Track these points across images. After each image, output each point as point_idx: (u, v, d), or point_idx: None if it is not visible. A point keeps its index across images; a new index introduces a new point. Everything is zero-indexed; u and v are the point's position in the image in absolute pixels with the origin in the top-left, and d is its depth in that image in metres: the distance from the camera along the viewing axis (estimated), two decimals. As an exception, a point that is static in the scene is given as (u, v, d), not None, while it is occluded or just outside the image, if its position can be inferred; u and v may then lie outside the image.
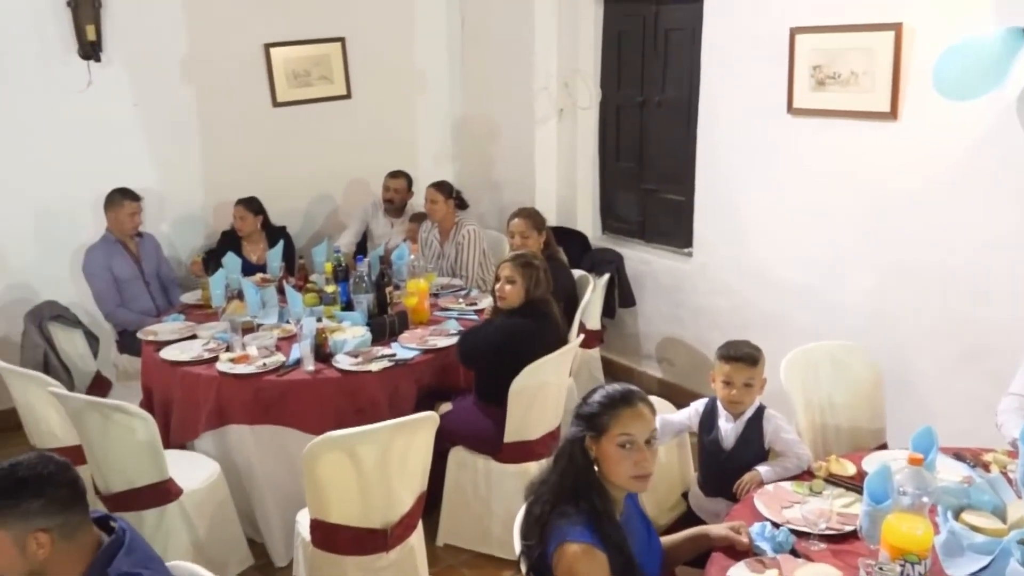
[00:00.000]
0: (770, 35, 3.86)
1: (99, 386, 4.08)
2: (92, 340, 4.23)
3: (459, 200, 4.69)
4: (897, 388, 3.30)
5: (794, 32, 3.75)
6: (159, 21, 4.74)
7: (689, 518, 2.69)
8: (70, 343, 4.10)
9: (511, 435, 3.25)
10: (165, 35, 4.78)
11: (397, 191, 5.10)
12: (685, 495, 2.82)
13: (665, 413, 2.72)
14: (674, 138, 4.71)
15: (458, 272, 4.55)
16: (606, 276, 4.58)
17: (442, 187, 4.63)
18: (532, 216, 4.11)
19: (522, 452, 3.28)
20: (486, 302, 4.07)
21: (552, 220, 4.88)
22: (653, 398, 2.18)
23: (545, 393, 3.27)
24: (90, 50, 4.51)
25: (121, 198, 4.32)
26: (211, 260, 4.71)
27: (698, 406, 2.74)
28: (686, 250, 4.69)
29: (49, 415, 3.30)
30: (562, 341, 3.31)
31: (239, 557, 3.29)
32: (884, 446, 2.91)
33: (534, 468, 3.25)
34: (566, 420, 3.44)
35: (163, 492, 2.96)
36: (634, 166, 5.03)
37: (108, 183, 4.42)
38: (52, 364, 3.90)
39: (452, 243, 4.61)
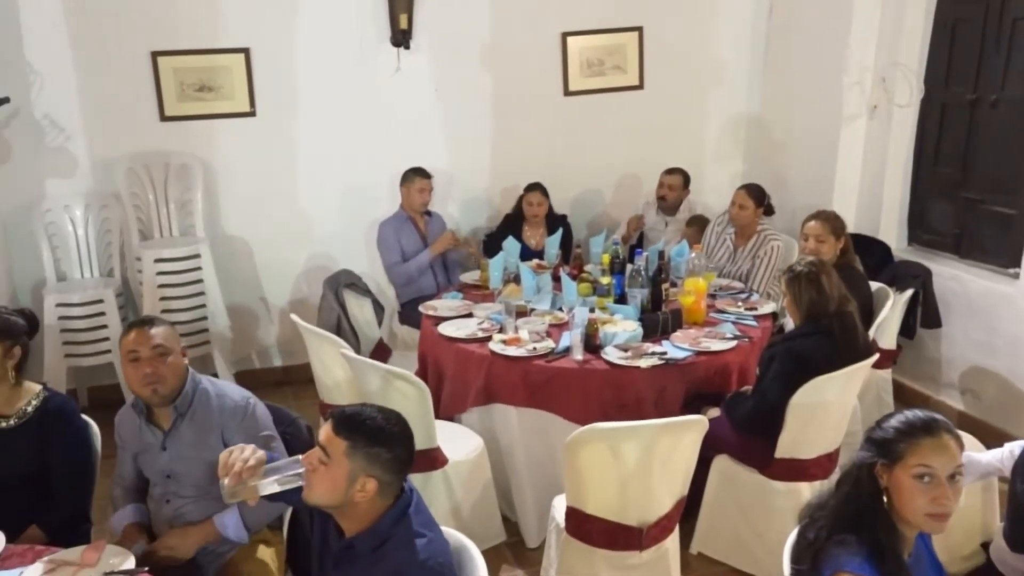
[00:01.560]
0: None
1: (381, 352, 4.48)
2: (379, 309, 4.65)
3: (768, 207, 4.56)
4: None
5: None
6: (465, 10, 5.10)
7: (987, 572, 2.42)
8: (360, 310, 4.54)
9: (783, 451, 3.11)
10: (469, 23, 5.13)
11: (672, 188, 5.08)
12: (985, 546, 2.53)
13: (972, 451, 2.45)
14: (1011, 142, 4.21)
15: (748, 282, 4.43)
16: (908, 292, 4.21)
17: (754, 191, 4.53)
18: (831, 220, 3.89)
19: (794, 470, 3.12)
20: (767, 307, 3.92)
21: (850, 226, 4.57)
22: (961, 433, 1.97)
23: (826, 411, 3.09)
24: (401, 38, 4.96)
25: (413, 175, 4.73)
26: (491, 242, 4.99)
27: (1014, 448, 2.43)
28: (1011, 270, 4.18)
29: (337, 373, 3.68)
30: (857, 355, 3.09)
31: (493, 532, 3.46)
32: None
33: (805, 489, 3.10)
34: (846, 443, 3.25)
35: (431, 459, 3.19)
36: (956, 172, 4.57)
37: (405, 163, 4.84)
38: (343, 327, 4.34)
39: (750, 253, 4.51)
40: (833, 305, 3.11)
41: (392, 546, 1.84)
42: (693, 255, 4.19)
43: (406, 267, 4.69)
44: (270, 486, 1.87)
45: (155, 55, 4.71)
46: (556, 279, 4.17)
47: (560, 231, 4.76)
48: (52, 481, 2.53)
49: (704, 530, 3.36)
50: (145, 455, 2.50)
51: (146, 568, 2.14)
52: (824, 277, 3.12)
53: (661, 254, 4.03)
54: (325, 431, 1.85)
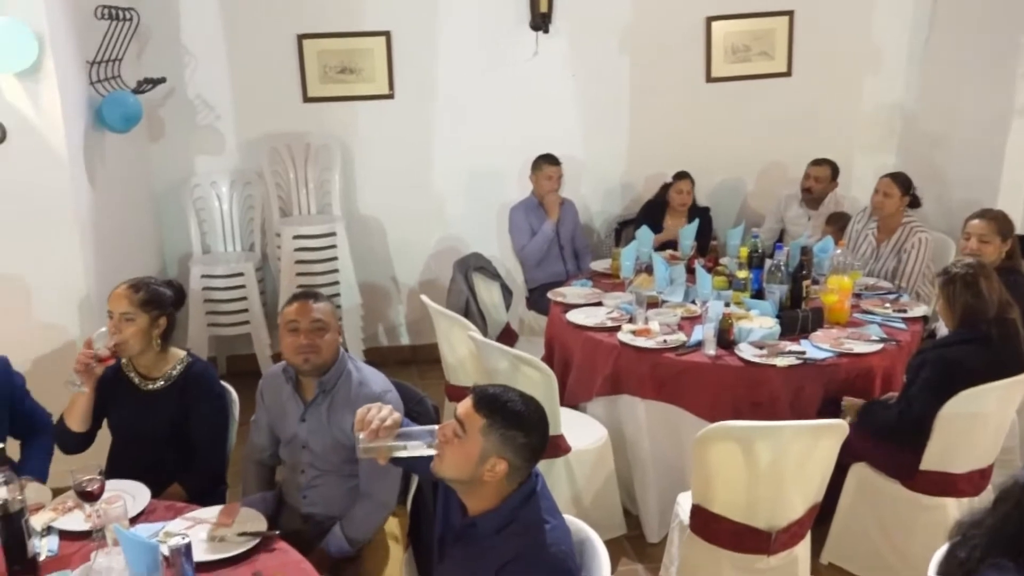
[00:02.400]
0: None
1: (507, 336, 4.53)
2: (507, 294, 4.70)
3: (913, 198, 4.33)
4: None
5: None
6: (607, -8, 5.07)
7: None
8: (488, 293, 4.60)
9: (930, 463, 2.95)
10: (611, 7, 5.10)
11: (819, 180, 4.90)
12: None
13: None
14: None
15: (896, 280, 4.22)
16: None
17: (900, 179, 4.32)
18: (999, 220, 3.65)
19: (941, 484, 2.96)
20: (918, 310, 3.72)
21: (1018, 227, 4.28)
22: None
23: (982, 424, 2.91)
24: (540, 21, 4.98)
25: (542, 162, 4.77)
26: (623, 231, 4.95)
27: None
28: None
29: (464, 356, 3.74)
30: (1019, 366, 2.89)
31: (613, 524, 3.45)
32: None
33: (952, 505, 2.94)
34: (1002, 459, 3.05)
35: (554, 446, 3.20)
36: None
37: (537, 149, 4.86)
38: (471, 310, 4.41)
39: (894, 249, 4.30)
40: (992, 311, 2.93)
41: (515, 529, 1.85)
42: (839, 251, 4.03)
43: (532, 244, 4.72)
44: (402, 449, 1.93)
45: (301, 38, 4.92)
46: (690, 271, 4.10)
47: (697, 221, 4.68)
48: (193, 441, 2.69)
49: (837, 540, 3.24)
50: (283, 421, 2.62)
51: (277, 531, 2.24)
52: (983, 280, 2.94)
53: (804, 249, 3.89)
54: (465, 406, 1.87)
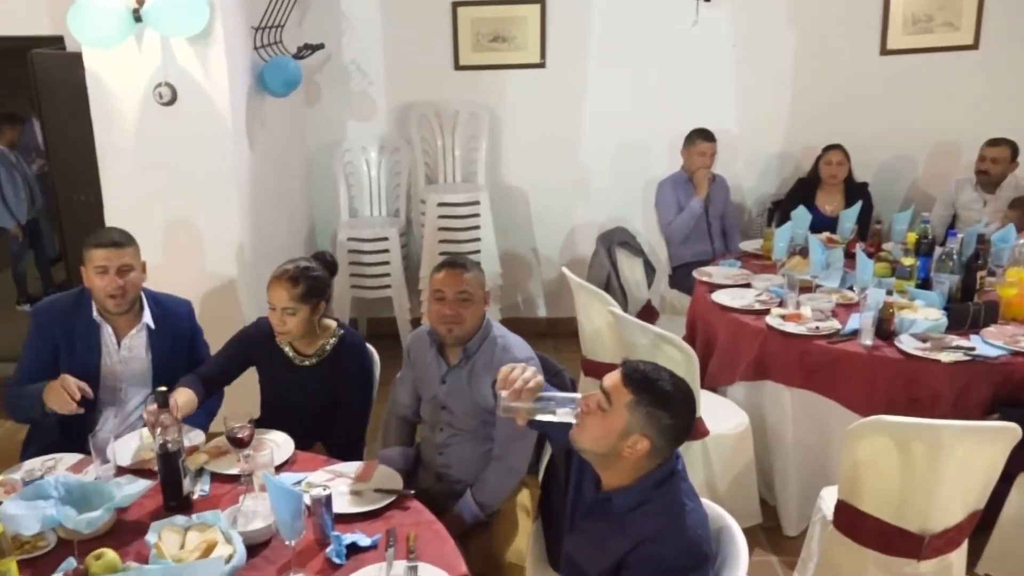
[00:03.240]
0: None
1: (648, 314, 4.47)
2: (649, 271, 4.64)
3: None
4: None
5: None
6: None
7: None
8: (630, 269, 4.55)
9: (1116, 481, 2.72)
10: (779, -26, 4.91)
11: (996, 161, 4.56)
12: None
13: None
14: None
15: None
16: None
17: None
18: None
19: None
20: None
21: None
22: None
23: None
24: (703, -13, 4.85)
25: (696, 137, 4.66)
26: (776, 211, 4.78)
27: None
28: None
29: (603, 330, 3.73)
30: None
31: (748, 512, 3.37)
32: None
33: None
34: None
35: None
36: None
37: (689, 122, 4.76)
38: (612, 285, 4.38)
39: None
40: None
41: (652, 508, 1.84)
42: (1022, 241, 3.74)
43: (679, 220, 4.63)
44: (542, 412, 1.95)
45: (455, 5, 4.99)
46: (849, 255, 3.92)
47: (859, 204, 4.45)
48: (339, 407, 2.82)
49: (997, 551, 3.03)
50: (426, 381, 2.69)
51: (412, 491, 2.31)
52: None
53: (981, 237, 3.63)
54: (613, 378, 1.86)
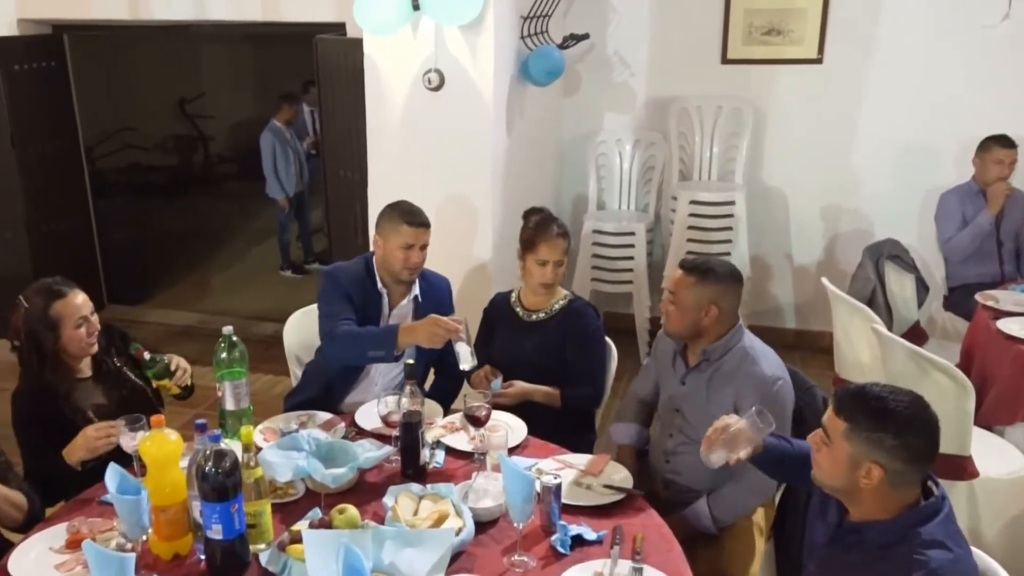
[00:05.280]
0: None
1: (915, 336, 4.14)
2: (922, 289, 4.30)
3: None
4: None
5: None
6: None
7: None
8: (899, 285, 4.24)
9: None
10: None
11: None
12: None
13: None
14: None
15: None
16: None
17: None
18: None
19: None
20: None
21: None
22: None
23: None
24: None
25: (992, 144, 4.28)
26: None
27: None
28: None
29: (861, 349, 3.51)
30: None
31: (1019, 568, 3.01)
32: None
33: None
34: None
35: (958, 467, 2.89)
36: None
37: (986, 127, 4.37)
38: (876, 301, 4.10)
39: None
40: None
41: (908, 550, 1.70)
42: None
43: (961, 236, 4.25)
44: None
45: (730, -4, 4.87)
46: None
47: None
48: (570, 368, 2.91)
49: None
50: (665, 378, 2.67)
51: (643, 492, 2.29)
52: None
53: None
54: (828, 411, 1.79)
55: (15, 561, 1.99)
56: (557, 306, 2.95)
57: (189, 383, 2.72)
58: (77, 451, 2.39)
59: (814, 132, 4.95)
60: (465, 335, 2.57)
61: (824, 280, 3.70)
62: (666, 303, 2.55)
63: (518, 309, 3.01)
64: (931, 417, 1.73)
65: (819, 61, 4.83)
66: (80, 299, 2.56)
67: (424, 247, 2.92)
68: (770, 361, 2.47)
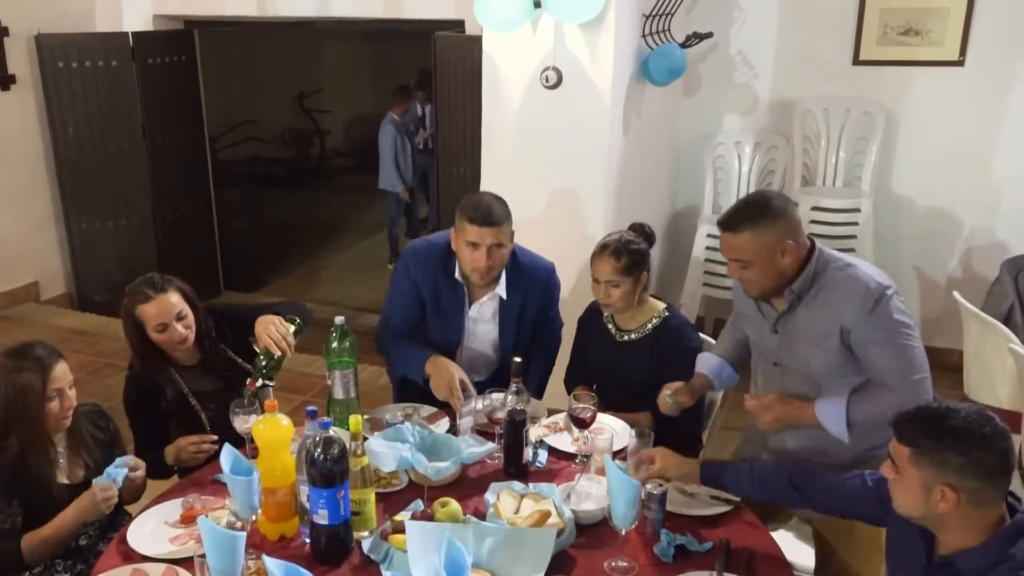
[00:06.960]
0: None
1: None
2: (1065, 309, 4.07)
3: None
4: None
5: None
6: None
7: None
8: (1042, 304, 4.03)
9: None
10: None
11: None
12: None
13: None
14: None
15: None
16: None
17: None
18: None
19: None
20: None
21: None
22: None
23: None
24: None
25: None
26: None
27: None
28: None
29: (995, 369, 3.35)
30: None
31: None
32: None
33: None
34: None
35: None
36: None
37: None
38: (1014, 320, 3.89)
39: None
40: None
41: (1007, 572, 1.64)
42: None
43: None
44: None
45: (867, -6, 4.73)
46: None
47: None
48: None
49: None
50: (757, 333, 2.55)
51: (739, 500, 2.24)
52: None
53: None
54: (892, 438, 1.75)
55: (133, 532, 2.12)
56: (650, 325, 2.81)
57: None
58: (170, 454, 2.58)
59: (951, 139, 4.74)
60: (470, 413, 2.56)
61: (956, 294, 3.55)
62: (736, 270, 2.35)
63: (610, 326, 2.89)
64: (996, 430, 1.66)
65: (960, 64, 4.62)
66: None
67: (496, 247, 2.74)
68: (869, 274, 2.25)
